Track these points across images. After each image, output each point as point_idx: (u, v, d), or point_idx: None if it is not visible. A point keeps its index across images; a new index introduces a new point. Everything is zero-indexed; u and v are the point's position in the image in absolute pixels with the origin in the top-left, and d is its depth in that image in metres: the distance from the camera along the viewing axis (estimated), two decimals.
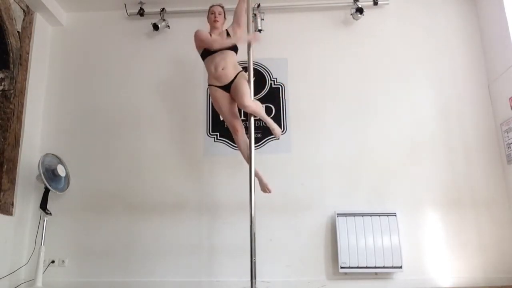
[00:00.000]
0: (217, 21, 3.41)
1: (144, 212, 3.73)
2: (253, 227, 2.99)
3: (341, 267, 3.41)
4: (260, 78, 3.97)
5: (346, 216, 3.53)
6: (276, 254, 3.56)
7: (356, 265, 3.40)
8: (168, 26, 4.14)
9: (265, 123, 3.31)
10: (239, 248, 3.43)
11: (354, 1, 4.02)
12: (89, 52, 4.19)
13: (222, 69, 3.30)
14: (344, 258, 3.42)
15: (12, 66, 3.68)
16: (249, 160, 3.15)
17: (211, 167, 3.81)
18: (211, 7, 3.48)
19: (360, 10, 3.93)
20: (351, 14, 4.02)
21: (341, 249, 3.43)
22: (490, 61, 3.91)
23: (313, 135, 3.85)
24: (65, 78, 4.13)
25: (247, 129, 3.23)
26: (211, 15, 3.44)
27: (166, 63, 4.11)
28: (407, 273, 3.42)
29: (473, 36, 4.04)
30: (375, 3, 4.05)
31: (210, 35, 3.36)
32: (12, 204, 3.57)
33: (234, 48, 3.37)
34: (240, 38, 3.33)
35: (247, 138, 3.26)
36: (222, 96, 3.32)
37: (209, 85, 3.39)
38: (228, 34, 3.41)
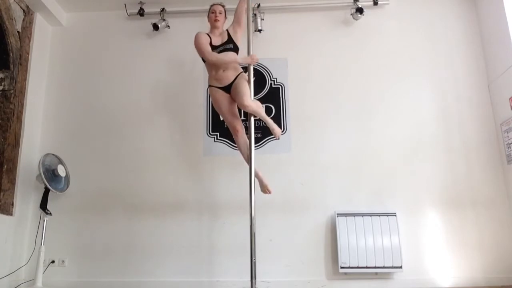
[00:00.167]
0: (218, 20, 3.41)
1: (144, 212, 3.74)
2: (253, 227, 2.99)
3: (341, 267, 3.41)
4: (260, 78, 3.97)
5: (346, 216, 3.53)
6: (276, 254, 3.56)
7: (356, 265, 3.40)
8: (168, 26, 4.14)
9: (265, 123, 3.30)
10: (239, 248, 3.43)
11: (354, 1, 4.02)
12: (89, 52, 4.19)
13: (223, 71, 3.30)
14: (344, 258, 3.42)
15: (12, 66, 3.68)
16: (249, 160, 3.15)
17: (211, 167, 3.81)
18: (212, 6, 3.47)
19: (360, 10, 3.94)
20: (351, 14, 4.02)
21: (341, 249, 3.43)
22: (490, 61, 3.91)
23: (313, 135, 3.85)
24: (65, 78, 4.13)
25: (247, 129, 3.23)
26: (212, 14, 3.43)
27: (166, 63, 4.11)
28: (407, 273, 3.42)
29: (473, 36, 4.04)
30: (375, 3, 4.05)
31: (210, 38, 3.34)
32: (12, 204, 3.58)
33: (235, 49, 3.37)
34: (238, 61, 3.30)
35: (247, 139, 3.26)
36: (222, 97, 3.32)
37: (209, 86, 3.39)
38: (228, 34, 3.41)
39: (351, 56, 4.03)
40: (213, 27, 3.43)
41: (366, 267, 3.39)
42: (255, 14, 3.97)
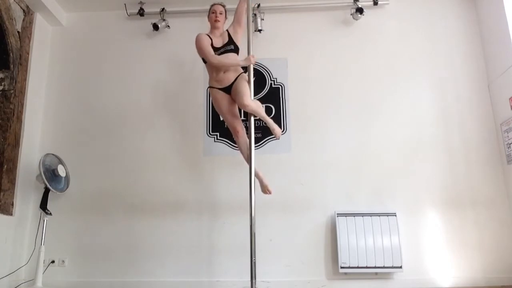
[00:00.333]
0: (218, 20, 3.40)
1: (144, 212, 3.74)
2: (253, 227, 2.99)
3: (341, 267, 3.41)
4: (260, 78, 3.97)
5: (346, 216, 3.53)
6: (276, 254, 3.56)
7: (356, 265, 3.40)
8: (168, 26, 4.14)
9: (265, 123, 3.30)
10: (239, 248, 3.43)
11: (354, 1, 4.02)
12: (89, 52, 4.19)
13: (224, 73, 3.30)
14: (344, 258, 3.42)
15: (12, 66, 3.68)
16: (249, 161, 3.15)
17: (211, 167, 3.82)
18: (212, 5, 3.47)
19: (360, 10, 3.94)
20: (351, 14, 4.02)
21: (341, 249, 3.43)
22: (490, 61, 3.91)
23: (313, 135, 3.85)
24: (65, 78, 4.12)
25: (247, 129, 3.23)
26: (212, 14, 3.42)
27: (166, 63, 4.11)
28: (407, 273, 3.42)
29: (473, 36, 4.04)
30: (375, 3, 4.05)
31: (211, 38, 3.33)
32: (12, 204, 3.58)
33: (236, 50, 3.37)
34: (240, 63, 3.30)
35: (247, 139, 3.26)
36: (222, 98, 3.32)
37: (210, 87, 3.39)
38: (229, 35, 3.40)
39: (351, 56, 4.03)
40: (213, 27, 3.43)
41: (366, 267, 3.39)
42: (255, 14, 3.97)
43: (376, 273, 3.44)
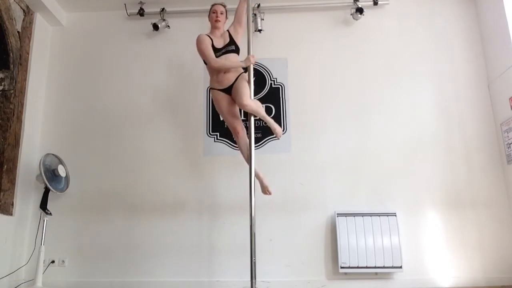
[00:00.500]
0: (219, 20, 3.39)
1: (144, 212, 3.74)
2: (253, 227, 2.99)
3: (341, 267, 3.41)
4: (260, 78, 3.97)
5: (346, 216, 3.53)
6: (276, 254, 3.56)
7: (356, 265, 3.40)
8: (168, 26, 4.14)
9: (265, 123, 3.30)
10: (239, 248, 3.43)
11: (354, 1, 4.02)
12: (89, 52, 4.19)
13: (224, 73, 3.30)
14: (344, 258, 3.42)
15: (12, 66, 3.68)
16: (249, 161, 3.15)
17: (211, 167, 3.82)
18: (213, 5, 3.46)
19: (360, 10, 3.94)
20: (351, 14, 4.02)
21: (341, 249, 3.43)
22: (490, 61, 3.91)
23: (313, 135, 3.85)
24: (65, 78, 4.12)
25: (247, 129, 3.23)
26: (213, 14, 3.42)
27: (166, 63, 4.11)
28: (407, 273, 3.42)
29: (473, 36, 4.04)
30: (375, 3, 4.05)
31: (211, 39, 3.33)
32: (12, 204, 3.58)
33: (237, 50, 3.37)
34: (241, 65, 3.30)
35: (247, 139, 3.26)
36: (223, 99, 3.32)
37: (210, 88, 3.39)
38: (230, 36, 3.40)
39: (351, 56, 4.03)
40: (214, 27, 3.42)
41: (366, 267, 3.39)
42: (255, 14, 3.97)
43: (376, 273, 3.44)
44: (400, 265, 3.38)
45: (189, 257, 3.61)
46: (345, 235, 3.47)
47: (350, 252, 3.42)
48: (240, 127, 3.33)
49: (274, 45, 4.07)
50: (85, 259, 3.66)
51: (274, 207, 3.63)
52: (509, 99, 3.60)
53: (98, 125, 3.99)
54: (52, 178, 3.53)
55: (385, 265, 3.38)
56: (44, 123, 4.00)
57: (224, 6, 3.48)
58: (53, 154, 3.65)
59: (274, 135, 3.34)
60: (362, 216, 3.52)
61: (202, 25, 3.64)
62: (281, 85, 4.00)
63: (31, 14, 3.95)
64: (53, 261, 3.64)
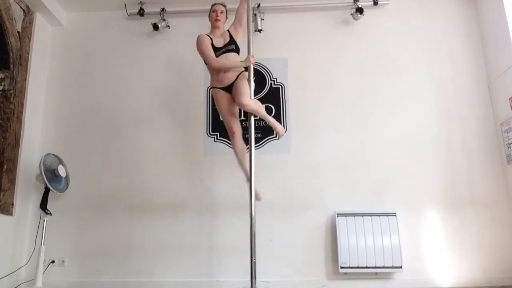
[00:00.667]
0: (219, 20, 3.39)
1: (144, 212, 3.73)
2: (253, 227, 2.98)
3: (341, 267, 3.41)
4: (260, 78, 3.97)
5: (346, 216, 3.53)
6: (276, 254, 3.56)
7: (356, 265, 3.40)
8: (168, 26, 4.14)
9: (266, 122, 3.30)
10: (239, 248, 3.43)
11: (354, 1, 4.02)
12: (89, 52, 4.19)
13: (224, 72, 3.30)
14: (344, 258, 3.42)
15: (12, 66, 3.68)
16: (243, 165, 3.18)
17: (211, 167, 3.81)
18: (213, 5, 3.46)
19: (360, 10, 3.94)
20: (351, 14, 4.02)
21: (341, 249, 3.43)
22: (490, 61, 3.91)
23: (313, 135, 3.85)
24: (65, 78, 4.12)
25: (247, 129, 3.22)
26: (213, 13, 3.42)
27: (166, 63, 4.11)
28: (407, 273, 3.42)
29: (473, 36, 4.04)
30: (375, 3, 4.05)
31: (211, 39, 3.33)
32: (12, 204, 3.58)
33: (237, 50, 3.38)
34: (241, 65, 3.30)
35: (243, 143, 3.28)
36: (222, 97, 3.32)
37: (211, 87, 3.39)
38: (230, 35, 3.40)
39: (351, 56, 4.03)
40: (214, 26, 3.42)
41: (366, 267, 3.39)
42: (255, 14, 3.97)
43: (376, 273, 3.44)
44: (400, 265, 3.38)
45: (189, 257, 3.61)
46: (345, 235, 3.47)
47: (350, 252, 3.42)
48: (236, 127, 3.33)
49: (274, 45, 4.07)
50: (85, 259, 3.66)
51: (274, 207, 3.63)
52: (509, 99, 3.60)
53: (98, 125, 3.99)
54: (52, 178, 3.53)
55: (385, 265, 3.38)
56: (44, 123, 4.00)
57: (224, 6, 3.47)
58: (53, 154, 3.65)
59: (275, 135, 3.33)
60: (362, 216, 3.52)
61: (202, 25, 3.64)
62: (281, 85, 4.00)
63: (31, 14, 3.95)
64: (53, 261, 3.64)
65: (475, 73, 3.95)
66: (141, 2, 4.11)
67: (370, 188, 3.70)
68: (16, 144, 3.68)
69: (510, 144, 3.60)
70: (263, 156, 3.70)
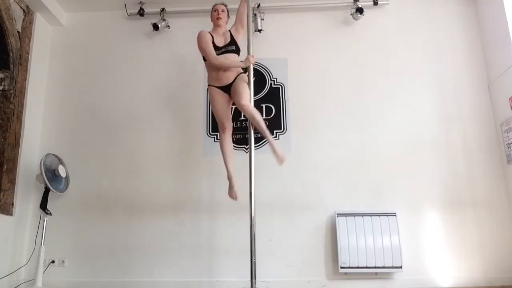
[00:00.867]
0: (220, 18, 3.41)
1: (144, 212, 3.73)
2: (253, 227, 2.99)
3: (341, 267, 3.41)
4: (260, 78, 3.97)
5: (346, 216, 3.53)
6: (276, 254, 3.56)
7: (356, 265, 3.40)
8: (168, 26, 4.14)
9: (266, 123, 3.29)
10: (239, 248, 3.42)
11: (354, 1, 4.02)
12: (89, 52, 4.19)
13: (224, 72, 3.30)
14: (344, 258, 3.42)
15: (12, 66, 3.68)
16: (227, 162, 3.25)
17: (211, 167, 3.81)
18: (214, 5, 3.48)
19: (360, 10, 3.94)
20: (351, 14, 4.02)
21: (341, 249, 3.43)
22: (490, 61, 3.91)
23: (313, 135, 3.85)
24: (65, 78, 4.12)
25: (247, 129, 3.22)
26: (214, 13, 3.44)
27: (166, 63, 4.11)
28: (407, 273, 3.42)
29: (473, 36, 4.04)
30: (375, 3, 4.05)
31: (212, 37, 3.33)
32: (12, 204, 3.58)
33: (237, 51, 3.38)
34: (241, 65, 3.31)
35: (231, 141, 3.33)
36: (220, 96, 3.32)
37: (209, 85, 3.39)
38: (231, 36, 3.41)
39: (351, 56, 4.03)
40: (216, 25, 3.44)
41: (366, 267, 3.39)
42: (255, 14, 3.97)
43: (376, 273, 3.44)
44: (400, 265, 3.38)
45: (189, 257, 3.61)
46: (345, 235, 3.47)
47: (350, 252, 3.42)
48: (228, 124, 3.36)
49: (274, 45, 4.07)
50: (85, 259, 3.66)
51: (274, 207, 3.63)
52: (509, 99, 3.60)
53: (98, 125, 3.99)
54: (52, 178, 3.53)
55: (385, 265, 3.38)
56: (44, 123, 4.00)
57: (225, 6, 3.49)
58: (53, 154, 3.65)
59: (276, 159, 3.16)
60: (362, 216, 3.52)
61: (202, 25, 3.63)
62: (281, 85, 4.00)
63: (31, 14, 3.95)
64: (53, 261, 3.64)
65: (475, 73, 3.95)
66: (141, 2, 4.11)
67: (370, 188, 3.70)
68: (16, 144, 3.68)
69: (510, 144, 3.60)
70: (263, 156, 3.68)
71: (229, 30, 3.45)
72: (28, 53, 3.87)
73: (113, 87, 4.08)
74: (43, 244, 3.46)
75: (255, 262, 2.94)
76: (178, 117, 3.97)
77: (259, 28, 4.00)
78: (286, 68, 4.04)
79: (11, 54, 3.65)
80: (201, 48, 3.31)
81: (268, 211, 3.56)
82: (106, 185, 3.82)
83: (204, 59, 3.38)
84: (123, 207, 3.76)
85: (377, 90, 3.93)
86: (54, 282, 3.55)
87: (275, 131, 3.85)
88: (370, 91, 3.93)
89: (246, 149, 3.39)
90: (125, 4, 4.15)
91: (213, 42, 3.31)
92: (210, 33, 3.35)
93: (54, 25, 4.21)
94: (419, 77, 3.96)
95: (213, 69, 3.33)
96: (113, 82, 4.09)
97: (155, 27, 4.04)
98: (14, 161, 3.63)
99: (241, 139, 3.81)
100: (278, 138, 3.83)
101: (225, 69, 3.30)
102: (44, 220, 3.53)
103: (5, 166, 3.53)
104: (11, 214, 3.55)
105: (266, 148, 3.81)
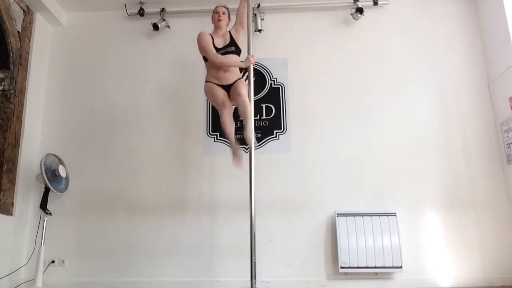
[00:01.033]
0: (221, 20, 3.42)
1: (144, 212, 3.73)
2: (253, 227, 2.99)
3: (341, 267, 3.41)
4: (260, 78, 3.97)
5: (346, 216, 3.53)
6: (276, 254, 3.56)
7: (356, 265, 3.40)
8: (168, 26, 4.14)
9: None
10: (239, 248, 3.42)
11: (354, 1, 4.02)
12: (89, 52, 4.19)
13: (224, 72, 3.30)
14: (344, 258, 3.42)
15: (12, 66, 3.68)
16: (231, 136, 3.20)
17: (211, 167, 3.81)
18: (216, 7, 3.49)
19: (360, 10, 3.94)
20: (351, 14, 4.02)
21: (341, 249, 3.43)
22: (490, 61, 3.91)
23: (313, 135, 3.85)
24: (65, 78, 4.13)
25: (246, 129, 3.21)
26: (215, 15, 3.46)
27: (166, 63, 4.11)
28: (407, 273, 3.42)
29: (473, 36, 4.04)
30: (375, 3, 4.05)
31: (213, 38, 3.34)
32: (12, 204, 3.58)
33: (237, 51, 3.38)
34: (241, 65, 3.31)
35: (232, 119, 3.27)
36: (219, 91, 3.31)
37: (206, 81, 3.38)
38: (231, 37, 3.41)
39: (351, 56, 4.03)
40: (217, 27, 3.45)
41: (366, 267, 3.39)
42: (255, 14, 3.97)
43: (376, 273, 3.44)
44: (400, 265, 3.38)
45: (189, 257, 3.61)
46: (345, 235, 3.47)
47: (350, 252, 3.42)
48: (228, 103, 3.30)
49: (274, 45, 4.07)
50: (85, 259, 3.66)
51: (274, 207, 3.63)
52: (509, 99, 3.60)
53: (98, 125, 3.99)
54: (52, 178, 3.53)
55: (385, 265, 3.38)
56: (44, 123, 4.00)
57: (227, 8, 3.50)
58: (53, 154, 3.65)
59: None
60: (362, 216, 3.52)
61: (202, 25, 3.63)
62: (281, 85, 4.00)
63: (31, 14, 3.95)
64: (53, 261, 3.64)
65: (475, 73, 3.95)
66: (141, 2, 4.11)
67: (370, 188, 3.70)
68: (16, 144, 3.68)
69: (510, 144, 3.60)
70: (263, 156, 3.70)
71: (229, 31, 3.46)
72: (28, 53, 3.87)
73: (113, 87, 4.08)
74: (43, 244, 3.46)
75: (255, 262, 2.94)
76: (178, 117, 3.97)
77: (259, 28, 4.00)
78: (286, 68, 4.04)
79: (11, 54, 3.65)
80: (201, 47, 3.32)
81: (268, 211, 3.56)
82: (106, 185, 3.82)
83: (205, 60, 3.38)
84: (123, 207, 3.76)
85: (377, 90, 3.93)
86: (54, 282, 3.54)
87: (275, 131, 3.86)
88: (370, 91, 3.93)
89: (246, 149, 3.39)
90: (125, 4, 4.15)
91: (213, 44, 3.31)
92: (210, 35, 3.37)
93: (54, 25, 4.21)
94: (419, 77, 3.96)
95: (213, 68, 3.34)
96: (113, 82, 4.09)
97: (155, 27, 4.04)
98: (14, 161, 3.63)
99: (241, 139, 3.80)
100: (278, 138, 3.83)
101: (226, 69, 3.30)
102: (44, 220, 3.53)
103: (5, 166, 3.53)
104: (11, 214, 3.55)
105: (266, 148, 3.83)
